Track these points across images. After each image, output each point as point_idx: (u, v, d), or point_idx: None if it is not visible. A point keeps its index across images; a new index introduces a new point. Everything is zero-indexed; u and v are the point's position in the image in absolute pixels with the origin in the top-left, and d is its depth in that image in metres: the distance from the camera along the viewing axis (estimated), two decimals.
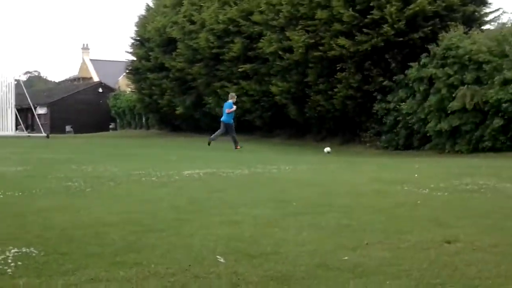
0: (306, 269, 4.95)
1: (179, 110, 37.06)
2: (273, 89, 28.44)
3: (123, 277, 4.73)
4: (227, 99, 23.68)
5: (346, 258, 5.31)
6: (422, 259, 5.23)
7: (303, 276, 4.73)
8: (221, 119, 23.42)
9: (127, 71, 44.77)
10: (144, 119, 50.13)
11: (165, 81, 38.04)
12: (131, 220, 7.22)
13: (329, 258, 5.30)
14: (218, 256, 5.36)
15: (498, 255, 5.33)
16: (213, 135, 23.56)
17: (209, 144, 23.06)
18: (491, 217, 7.26)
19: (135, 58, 42.88)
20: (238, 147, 22.63)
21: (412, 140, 23.26)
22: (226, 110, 22.98)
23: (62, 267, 5.02)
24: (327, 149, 22.96)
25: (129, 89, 48.85)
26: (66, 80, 77.29)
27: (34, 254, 5.47)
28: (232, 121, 23.17)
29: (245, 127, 33.68)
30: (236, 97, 23.92)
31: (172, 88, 37.78)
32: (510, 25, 22.00)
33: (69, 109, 58.17)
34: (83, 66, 72.16)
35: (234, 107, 23.15)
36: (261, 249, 5.65)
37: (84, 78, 69.43)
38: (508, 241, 5.87)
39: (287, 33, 27.02)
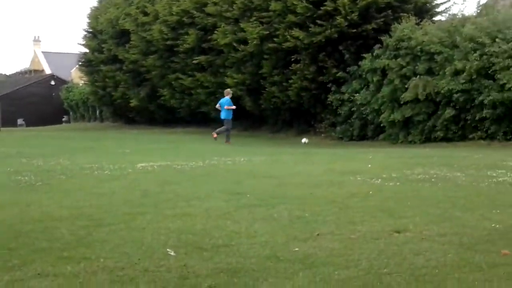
0: (256, 261, 4.96)
1: (134, 102, 36.66)
2: (228, 81, 28.33)
3: (71, 272, 4.67)
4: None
5: (297, 249, 5.34)
6: (372, 249, 5.29)
7: (253, 268, 4.74)
8: (221, 116, 23.10)
9: (80, 63, 44.04)
10: (98, 112, 49.47)
11: (119, 73, 37.56)
12: (82, 215, 7.13)
13: (280, 250, 5.32)
14: (168, 250, 5.33)
15: (445, 244, 5.43)
16: (226, 136, 22.92)
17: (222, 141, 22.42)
18: (441, 207, 7.38)
19: (87, 50, 42.18)
20: (229, 142, 22.44)
21: (366, 131, 23.48)
22: (225, 106, 22.80)
23: (8, 263, 4.93)
24: (304, 140, 23.07)
25: (82, 82, 48.12)
26: (17, 73, 75.61)
27: None
28: (231, 116, 23.02)
29: (200, 119, 33.55)
30: (231, 93, 23.74)
31: (126, 80, 37.32)
32: (460, 16, 22.33)
33: (21, 102, 56.96)
34: (35, 58, 70.73)
35: (233, 105, 23.04)
36: (212, 242, 5.64)
37: (36, 71, 68.02)
38: (455, 230, 5.98)
39: (242, 25, 26.95)
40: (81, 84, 50.75)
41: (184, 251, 5.30)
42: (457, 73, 19.51)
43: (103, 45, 38.77)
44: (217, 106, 23.55)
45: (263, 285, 4.33)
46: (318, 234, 5.93)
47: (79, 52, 44.32)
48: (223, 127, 23.07)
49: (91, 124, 47.73)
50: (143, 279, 4.50)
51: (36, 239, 5.81)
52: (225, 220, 6.71)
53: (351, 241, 5.65)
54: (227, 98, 23.13)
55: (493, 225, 6.20)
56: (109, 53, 38.14)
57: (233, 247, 5.43)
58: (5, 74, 73.81)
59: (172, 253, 5.21)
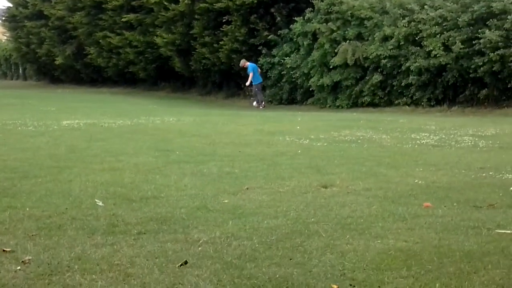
0: (186, 211, 4.98)
1: (59, 60, 35.61)
2: (158, 40, 27.87)
3: None
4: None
5: (226, 201, 5.40)
6: (299, 202, 5.40)
7: (183, 217, 4.76)
8: (255, 82, 22.60)
9: (3, 18, 42.45)
10: (21, 70, 47.90)
11: (44, 29, 36.31)
12: (5, 167, 6.97)
13: (209, 202, 5.36)
14: (96, 200, 5.28)
15: (370, 198, 5.59)
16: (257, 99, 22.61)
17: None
18: (366, 165, 7.58)
19: (11, 5, 40.66)
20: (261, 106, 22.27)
21: (296, 95, 23.61)
22: (259, 71, 22.61)
23: None
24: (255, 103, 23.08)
25: (5, 38, 46.38)
26: None
27: None
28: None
29: (128, 79, 32.99)
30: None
31: (51, 37, 36.15)
32: None
33: None
34: None
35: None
36: (141, 194, 5.63)
37: None
38: (380, 186, 6.16)
39: None
40: (3, 40, 48.90)
41: (113, 202, 5.27)
42: (385, 39, 19.80)
43: (27, 0, 37.37)
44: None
45: (193, 232, 4.36)
46: (247, 188, 5.99)
47: (2, 7, 42.66)
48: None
49: (13, 82, 46.23)
50: (71, 226, 4.46)
51: None
52: (154, 175, 6.70)
53: (280, 194, 5.74)
54: (251, 64, 22.75)
55: (416, 181, 6.42)
56: (34, 8, 36.82)
57: (162, 199, 5.44)
58: None
59: (100, 204, 5.18)
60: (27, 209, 4.91)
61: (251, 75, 22.52)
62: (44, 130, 11.17)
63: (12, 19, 40.26)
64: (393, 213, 4.96)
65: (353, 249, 3.99)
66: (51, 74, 39.95)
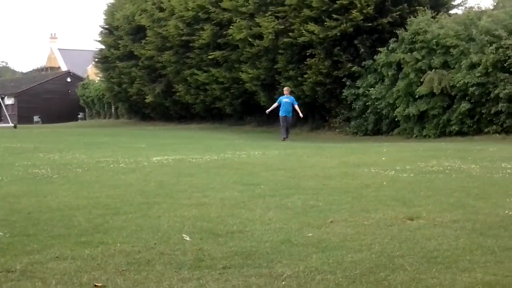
0: (270, 245, 5.04)
1: (149, 98, 36.81)
2: (243, 76, 28.41)
3: (89, 255, 4.79)
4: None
5: (310, 235, 5.42)
6: (384, 235, 5.35)
7: (268, 251, 4.82)
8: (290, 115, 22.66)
9: (96, 60, 44.32)
10: (113, 108, 49.68)
11: (134, 69, 37.72)
12: (98, 204, 7.24)
13: (293, 235, 5.40)
14: (184, 235, 5.43)
15: (458, 230, 5.47)
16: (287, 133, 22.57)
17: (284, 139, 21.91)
18: (454, 196, 7.41)
19: (103, 47, 42.45)
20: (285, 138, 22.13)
21: (381, 125, 23.44)
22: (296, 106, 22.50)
23: (27, 247, 5.05)
24: None
25: (98, 78, 48.34)
26: (34, 70, 76.24)
27: None
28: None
29: (215, 114, 33.65)
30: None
31: (141, 77, 37.49)
32: (477, 9, 22.22)
33: (37, 99, 57.32)
34: (51, 55, 71.20)
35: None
36: (227, 228, 5.73)
37: (52, 68, 68.44)
38: (468, 217, 6.02)
39: (257, 20, 26.97)
40: (97, 81, 51.00)
41: (200, 237, 5.39)
42: (472, 66, 19.42)
43: (119, 42, 38.97)
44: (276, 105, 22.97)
45: (277, 266, 4.40)
46: (331, 221, 6.00)
47: (95, 49, 44.60)
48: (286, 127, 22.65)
49: (106, 121, 48.02)
50: (159, 261, 4.60)
51: (54, 226, 5.94)
52: (239, 209, 6.80)
53: (364, 227, 5.71)
54: (291, 96, 22.74)
55: (506, 212, 6.24)
56: (125, 49, 38.32)
57: (247, 233, 5.52)
58: (21, 72, 74.35)
59: (188, 238, 5.32)
60: (118, 244, 5.11)
61: (298, 108, 22.31)
62: (135, 167, 11.52)
63: (105, 60, 42.00)
64: (481, 245, 4.84)
65: (439, 283, 3.92)
66: (142, 112, 41.25)
